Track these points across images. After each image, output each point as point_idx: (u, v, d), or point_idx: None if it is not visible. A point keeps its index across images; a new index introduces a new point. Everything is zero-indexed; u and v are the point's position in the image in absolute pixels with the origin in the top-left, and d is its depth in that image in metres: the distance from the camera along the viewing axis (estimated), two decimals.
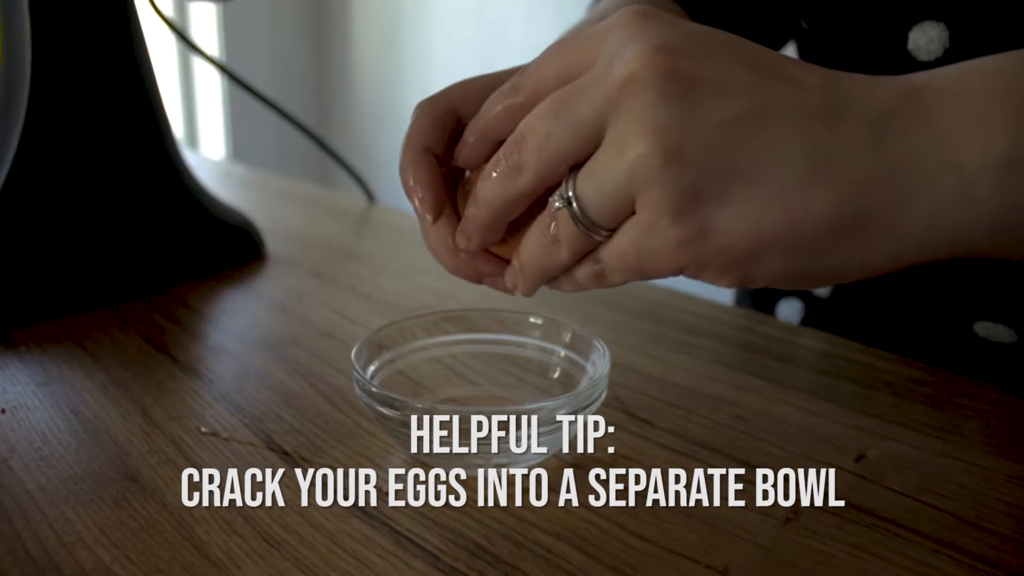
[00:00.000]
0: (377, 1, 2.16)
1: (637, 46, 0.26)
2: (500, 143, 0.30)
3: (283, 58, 2.22)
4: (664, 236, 0.26)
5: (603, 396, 0.34)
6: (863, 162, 0.26)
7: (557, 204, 0.28)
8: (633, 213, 0.27)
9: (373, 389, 0.33)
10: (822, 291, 0.55)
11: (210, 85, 2.10)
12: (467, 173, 0.33)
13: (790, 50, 0.60)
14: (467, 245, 0.31)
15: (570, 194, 0.27)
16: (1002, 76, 0.27)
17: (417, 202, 0.31)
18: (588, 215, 0.27)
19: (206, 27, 2.06)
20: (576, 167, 0.28)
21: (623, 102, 0.26)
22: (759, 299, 0.61)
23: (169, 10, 1.95)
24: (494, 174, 0.29)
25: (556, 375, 0.39)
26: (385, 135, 2.19)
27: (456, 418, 0.32)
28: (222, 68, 0.68)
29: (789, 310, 0.58)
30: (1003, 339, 0.47)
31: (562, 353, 0.39)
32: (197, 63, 2.10)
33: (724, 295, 0.64)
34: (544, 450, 0.34)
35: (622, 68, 0.26)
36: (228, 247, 0.60)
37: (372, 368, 0.37)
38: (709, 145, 0.25)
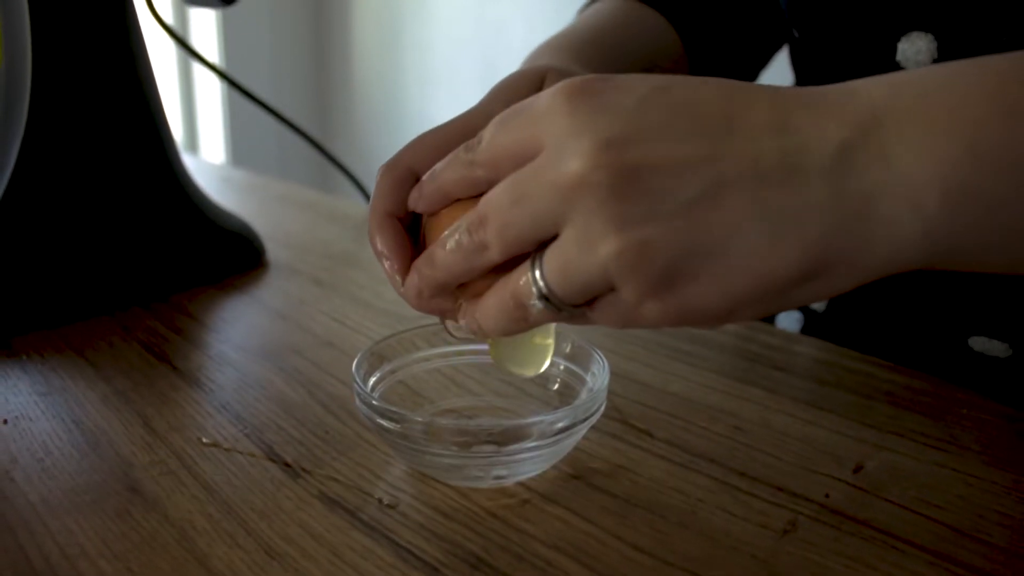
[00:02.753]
0: (377, 4, 2.16)
1: (582, 143, 0.26)
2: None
3: (283, 62, 2.22)
4: (646, 311, 0.27)
5: (602, 408, 0.35)
6: (822, 216, 0.26)
7: (536, 303, 0.28)
8: (611, 289, 0.28)
9: (373, 402, 0.33)
10: (818, 305, 0.55)
11: (210, 89, 2.10)
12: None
13: (782, 54, 0.60)
14: (419, 297, 0.32)
15: (544, 288, 0.28)
16: (963, 103, 0.27)
17: (387, 265, 0.33)
18: (564, 301, 0.28)
19: (206, 31, 2.06)
20: (542, 245, 0.28)
21: (578, 201, 0.26)
22: None
23: (169, 14, 1.95)
24: (454, 244, 0.30)
25: (556, 387, 0.39)
26: (385, 139, 2.20)
27: (456, 431, 0.32)
28: (222, 74, 0.68)
29: (788, 321, 0.58)
30: (998, 353, 0.47)
31: (562, 365, 0.39)
32: (197, 66, 2.10)
33: None
34: (543, 462, 0.34)
35: (570, 166, 0.26)
36: (229, 254, 0.60)
37: (373, 379, 0.37)
38: (674, 231, 0.26)
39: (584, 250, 0.27)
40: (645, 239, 0.26)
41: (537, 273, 0.28)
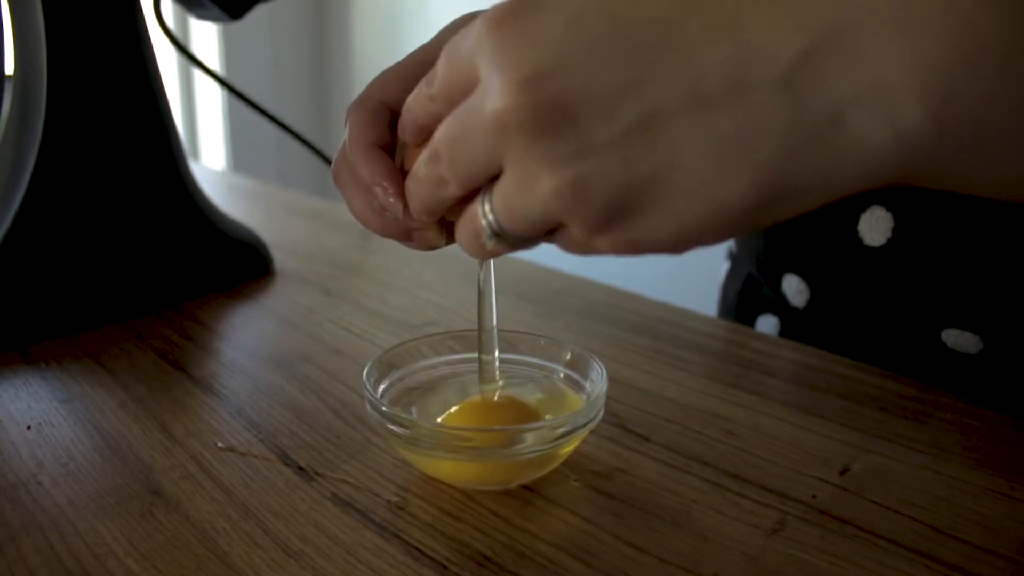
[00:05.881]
0: (378, 10, 2.18)
1: (502, 80, 0.25)
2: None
3: (284, 68, 2.24)
4: (597, 244, 0.27)
5: (601, 414, 0.36)
6: (777, 138, 0.23)
7: (490, 243, 0.29)
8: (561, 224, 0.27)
9: (384, 408, 0.35)
10: (798, 301, 0.56)
11: (211, 94, 2.12)
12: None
13: None
14: (421, 220, 0.32)
15: (495, 226, 0.28)
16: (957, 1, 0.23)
17: (380, 192, 0.33)
18: (515, 237, 0.28)
19: (207, 36, 2.08)
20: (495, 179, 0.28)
21: (507, 140, 0.25)
22: (740, 315, 0.63)
23: (170, 19, 1.97)
24: (420, 176, 0.30)
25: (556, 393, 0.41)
26: None
27: (462, 435, 0.34)
28: (223, 83, 0.70)
29: (767, 325, 0.60)
30: (969, 348, 0.49)
31: (562, 373, 0.41)
32: (198, 71, 2.12)
33: (710, 310, 0.66)
34: (545, 466, 0.36)
35: (493, 105, 0.25)
36: (238, 263, 0.62)
37: (383, 386, 0.39)
38: (609, 166, 0.25)
39: (522, 190, 0.26)
40: (579, 176, 0.25)
41: (487, 208, 0.28)
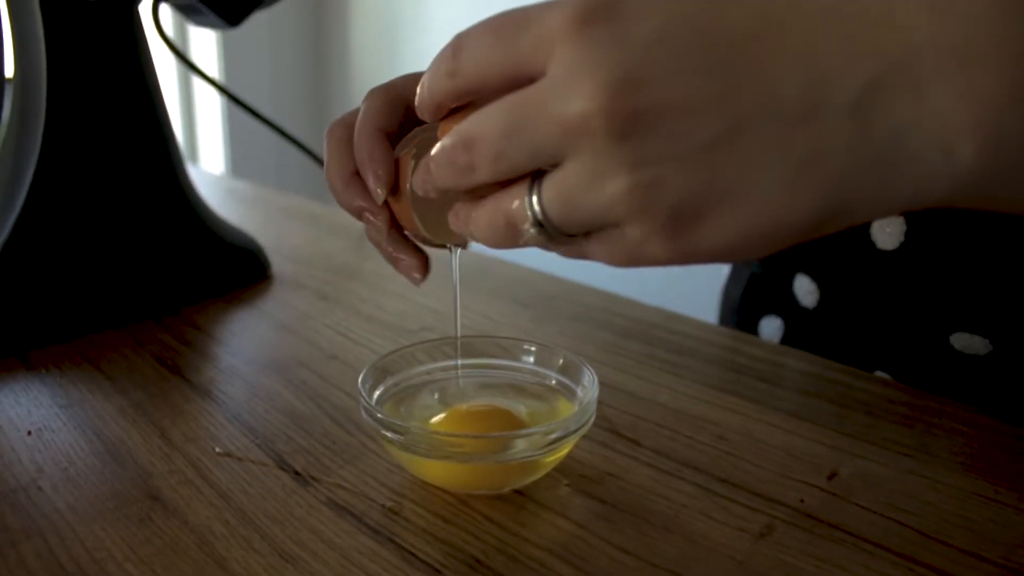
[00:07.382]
0: (375, 16, 2.19)
1: (590, 84, 0.25)
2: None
3: (282, 73, 2.24)
4: (651, 248, 0.27)
5: (592, 420, 0.37)
6: (844, 158, 0.25)
7: (530, 230, 0.28)
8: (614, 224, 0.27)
9: (379, 415, 0.36)
10: (809, 302, 0.57)
11: (209, 98, 2.13)
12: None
13: None
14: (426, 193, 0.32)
15: (540, 215, 0.28)
16: (1011, 31, 0.24)
17: (372, 176, 0.33)
18: (560, 231, 0.28)
19: (206, 41, 2.08)
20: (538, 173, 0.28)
21: (584, 140, 0.25)
22: (743, 317, 0.63)
23: (169, 25, 1.97)
24: (444, 160, 0.29)
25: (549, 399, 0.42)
26: None
27: (455, 441, 0.35)
28: (222, 89, 0.70)
29: (770, 327, 0.60)
30: (978, 351, 0.49)
31: (553, 381, 0.41)
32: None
33: (709, 313, 0.67)
34: (537, 471, 0.37)
35: (576, 106, 0.25)
36: (236, 268, 0.63)
37: (378, 392, 0.40)
38: (687, 172, 0.25)
39: (590, 186, 0.26)
40: (657, 179, 0.25)
41: (535, 199, 0.27)
